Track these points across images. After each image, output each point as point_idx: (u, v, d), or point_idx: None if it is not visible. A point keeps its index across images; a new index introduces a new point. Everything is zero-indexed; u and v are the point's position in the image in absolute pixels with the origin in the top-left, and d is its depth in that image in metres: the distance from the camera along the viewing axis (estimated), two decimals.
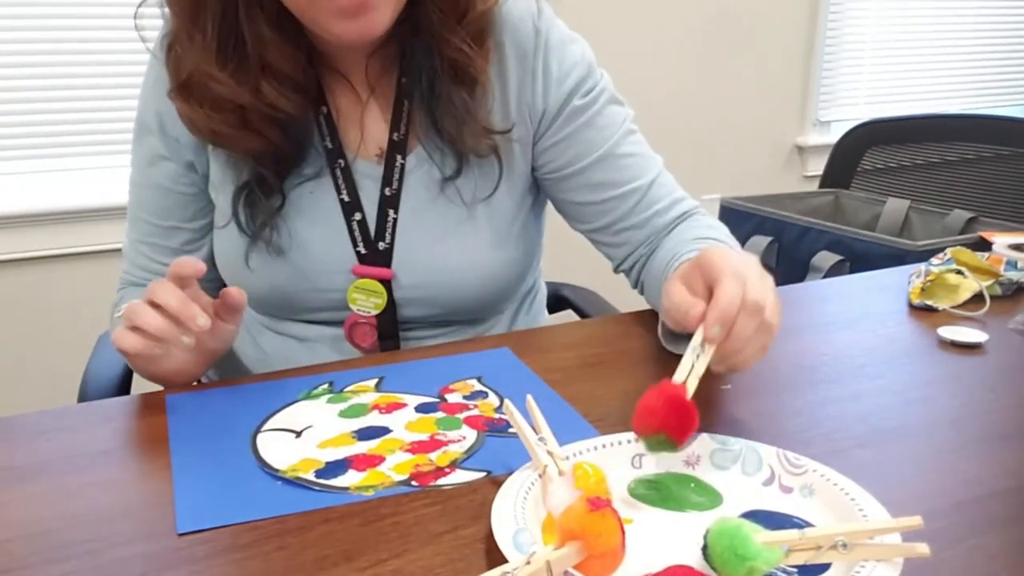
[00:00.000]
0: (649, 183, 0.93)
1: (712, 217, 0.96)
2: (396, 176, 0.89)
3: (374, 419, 0.71)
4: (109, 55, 1.87)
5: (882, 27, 2.89)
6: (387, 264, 0.89)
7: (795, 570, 0.50)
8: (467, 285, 0.90)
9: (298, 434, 0.69)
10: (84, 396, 1.00)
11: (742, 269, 0.63)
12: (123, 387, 1.03)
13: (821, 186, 2.13)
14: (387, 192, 0.89)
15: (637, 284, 0.97)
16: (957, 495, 0.60)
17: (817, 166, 2.63)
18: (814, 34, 2.73)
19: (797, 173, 2.84)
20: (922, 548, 0.48)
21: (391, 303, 0.90)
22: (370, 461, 0.65)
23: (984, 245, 1.15)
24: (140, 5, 0.83)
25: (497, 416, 0.71)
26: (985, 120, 2.06)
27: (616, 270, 0.99)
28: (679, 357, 0.84)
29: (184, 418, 0.72)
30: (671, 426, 0.59)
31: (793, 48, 2.72)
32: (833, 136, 2.41)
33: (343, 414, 0.72)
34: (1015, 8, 3.12)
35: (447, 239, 0.89)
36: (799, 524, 0.55)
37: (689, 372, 0.62)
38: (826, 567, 0.50)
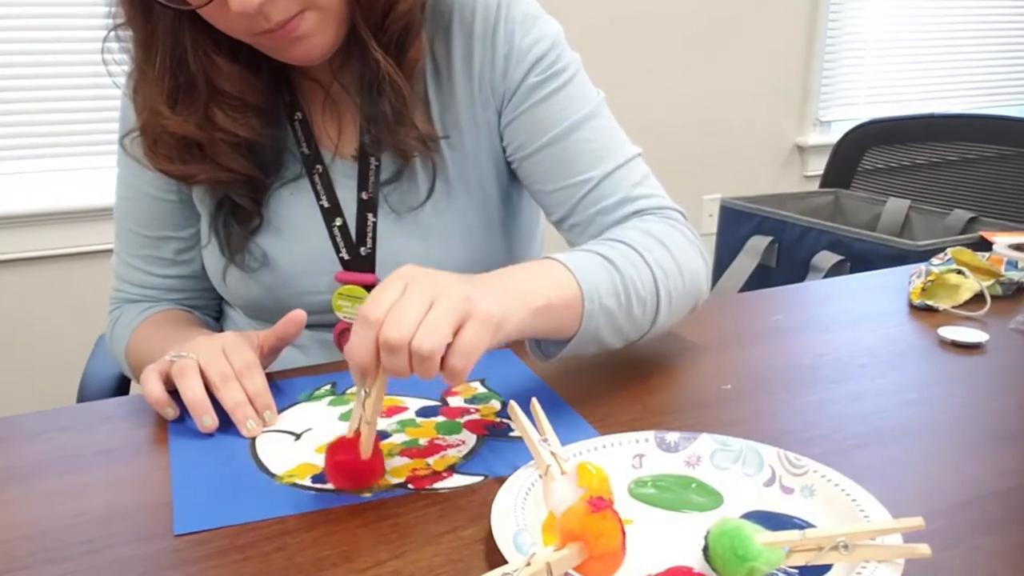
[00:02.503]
0: (603, 175, 0.85)
1: (669, 220, 0.84)
2: (372, 179, 0.87)
3: None
4: (110, 54, 1.86)
5: (882, 27, 2.89)
6: (371, 269, 0.88)
7: (796, 571, 0.50)
8: None
9: (297, 436, 0.69)
10: (83, 396, 1.00)
11: (372, 312, 0.57)
12: (122, 387, 1.03)
13: (821, 186, 2.13)
14: (364, 196, 0.88)
15: None
16: (957, 495, 0.60)
17: (817, 166, 2.63)
18: (814, 34, 2.73)
19: (797, 173, 2.85)
20: (923, 549, 0.48)
21: None
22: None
23: (985, 245, 1.15)
24: (105, 40, 0.83)
25: (498, 420, 0.71)
26: (985, 120, 2.06)
27: None
28: (679, 353, 0.84)
29: (184, 418, 0.71)
30: (351, 484, 0.61)
31: (793, 48, 2.72)
32: (833, 136, 2.41)
33: (343, 417, 0.72)
34: (1015, 8, 3.12)
35: (429, 236, 0.88)
36: (800, 525, 0.55)
37: (360, 421, 0.60)
38: (827, 568, 0.50)
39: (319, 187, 0.88)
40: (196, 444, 0.68)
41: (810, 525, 0.55)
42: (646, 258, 0.76)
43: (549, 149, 0.86)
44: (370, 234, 0.88)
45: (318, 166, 0.88)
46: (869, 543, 0.49)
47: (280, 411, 0.73)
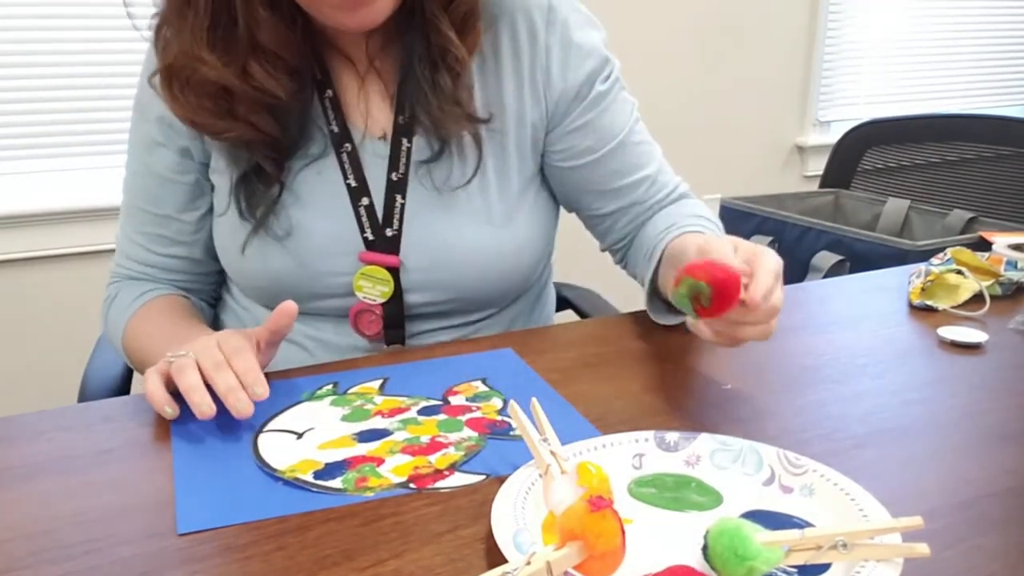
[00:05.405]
0: (657, 170, 0.96)
1: (699, 201, 0.99)
2: (403, 160, 0.88)
3: (376, 423, 0.71)
4: (110, 55, 1.87)
5: (882, 27, 2.89)
6: (395, 251, 0.88)
7: (795, 570, 0.50)
8: (469, 267, 0.89)
9: (299, 436, 0.69)
10: (84, 396, 1.00)
11: (779, 272, 0.69)
12: (123, 387, 1.03)
13: (821, 186, 2.13)
14: (394, 177, 0.88)
15: (622, 260, 1.01)
16: (957, 495, 0.60)
17: (817, 166, 2.63)
18: (814, 34, 2.73)
19: (797, 173, 2.84)
20: (922, 548, 0.48)
21: (398, 291, 0.89)
22: (369, 463, 0.64)
23: (984, 245, 1.15)
24: None
25: (500, 418, 0.71)
26: (985, 120, 2.06)
27: (604, 249, 1.02)
28: (679, 353, 0.84)
29: (185, 418, 0.71)
30: (717, 277, 0.64)
31: (793, 48, 2.72)
32: (833, 136, 2.41)
33: (345, 418, 0.72)
34: (1015, 8, 3.12)
35: (454, 222, 0.88)
36: (799, 524, 0.55)
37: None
38: (826, 567, 0.50)
39: (347, 166, 0.88)
40: (198, 444, 0.68)
41: (809, 524, 0.55)
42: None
43: (615, 153, 0.93)
44: (397, 215, 0.88)
45: (347, 145, 0.88)
46: (868, 542, 0.49)
47: (282, 411, 0.73)
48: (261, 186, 0.87)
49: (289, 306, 0.76)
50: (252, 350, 0.74)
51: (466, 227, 0.89)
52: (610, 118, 0.93)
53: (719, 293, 0.64)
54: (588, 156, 0.93)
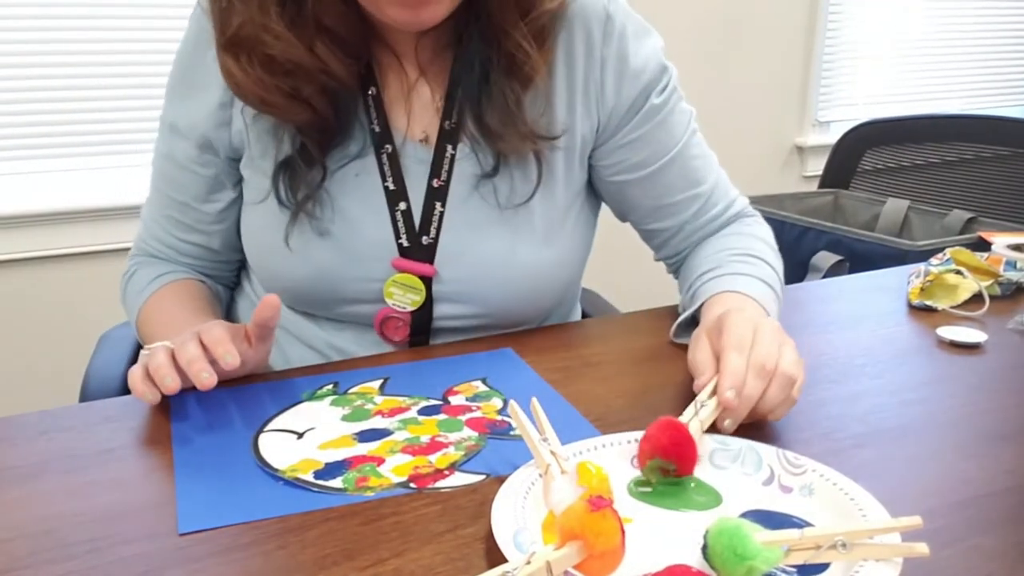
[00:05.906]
0: (712, 187, 0.94)
1: (758, 219, 0.98)
2: (446, 167, 0.85)
3: (376, 422, 0.71)
4: (111, 55, 1.87)
5: (882, 27, 2.89)
6: (430, 260, 0.86)
7: (794, 570, 0.50)
8: (509, 284, 0.87)
9: (300, 435, 0.69)
10: (86, 396, 1.00)
11: (746, 339, 0.67)
12: (125, 387, 1.03)
13: (821, 186, 2.13)
14: (435, 184, 0.85)
15: (674, 272, 1.00)
16: (957, 495, 0.60)
17: (817, 166, 2.63)
18: (814, 34, 2.73)
19: (797, 173, 2.85)
20: (921, 548, 0.49)
21: (428, 300, 0.86)
22: (369, 463, 0.65)
23: (983, 245, 1.15)
24: None
25: (500, 418, 0.71)
26: (985, 120, 2.06)
27: (657, 259, 1.01)
28: (679, 353, 0.84)
29: (186, 418, 0.72)
30: (668, 451, 0.60)
31: (793, 48, 2.72)
32: (833, 136, 2.41)
33: (346, 418, 0.72)
34: (1015, 8, 3.13)
35: (492, 235, 0.86)
36: (799, 524, 0.55)
37: (692, 417, 0.63)
38: (825, 567, 0.50)
39: (386, 168, 0.85)
40: (199, 443, 0.68)
41: (808, 524, 0.55)
42: (778, 275, 0.90)
43: (668, 168, 0.91)
44: (435, 223, 0.86)
45: (387, 146, 0.85)
46: (867, 542, 0.50)
47: (282, 411, 0.73)
48: (303, 166, 0.84)
49: (271, 298, 0.74)
50: (223, 327, 0.73)
51: (503, 241, 0.86)
52: (665, 131, 0.90)
53: (675, 458, 0.61)
54: (640, 171, 0.90)
